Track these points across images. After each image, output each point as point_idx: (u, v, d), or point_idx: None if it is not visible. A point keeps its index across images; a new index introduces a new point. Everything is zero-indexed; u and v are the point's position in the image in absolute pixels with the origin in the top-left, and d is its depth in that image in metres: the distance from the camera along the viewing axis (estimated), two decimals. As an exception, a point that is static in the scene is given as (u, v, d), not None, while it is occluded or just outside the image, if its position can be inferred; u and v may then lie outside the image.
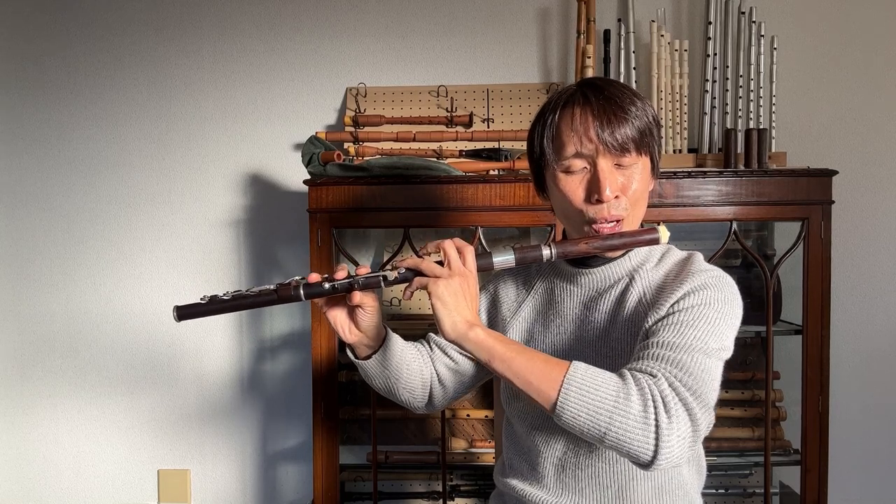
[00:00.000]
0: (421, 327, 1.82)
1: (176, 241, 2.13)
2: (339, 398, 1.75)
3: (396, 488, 1.99)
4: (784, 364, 1.83)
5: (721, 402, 1.81)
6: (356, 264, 1.73)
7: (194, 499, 2.16)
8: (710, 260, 1.62)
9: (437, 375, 1.19)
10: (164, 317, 2.14)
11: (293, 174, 2.08)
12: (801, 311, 1.68)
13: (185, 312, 0.99)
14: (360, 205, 1.68)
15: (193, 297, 2.16)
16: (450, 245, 0.99)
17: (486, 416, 1.88)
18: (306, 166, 1.73)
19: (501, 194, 1.66)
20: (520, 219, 1.68)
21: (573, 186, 1.02)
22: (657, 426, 0.85)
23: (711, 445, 1.77)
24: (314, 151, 1.72)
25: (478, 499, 1.93)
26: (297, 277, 1.01)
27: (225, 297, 0.99)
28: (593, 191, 1.01)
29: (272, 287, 0.99)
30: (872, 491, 2.03)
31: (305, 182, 1.70)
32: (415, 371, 1.15)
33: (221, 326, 2.12)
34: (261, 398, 2.14)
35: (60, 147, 2.14)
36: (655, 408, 0.85)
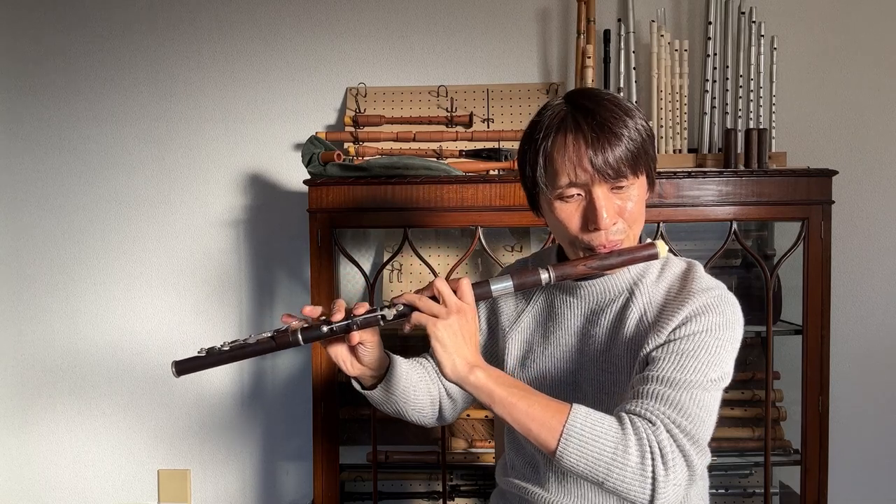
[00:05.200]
0: (420, 328, 1.82)
1: (176, 242, 2.13)
2: (340, 398, 1.75)
3: (396, 488, 1.99)
4: (784, 364, 1.83)
5: (721, 403, 1.81)
6: (356, 265, 1.74)
7: (194, 499, 2.16)
8: (710, 260, 1.63)
9: (445, 389, 1.18)
10: (163, 316, 2.14)
11: (293, 174, 2.08)
12: (801, 311, 1.68)
13: (184, 367, 0.99)
14: (360, 205, 1.68)
15: (193, 298, 2.17)
16: (441, 282, 0.96)
17: (486, 416, 1.88)
18: (306, 166, 1.73)
19: (501, 194, 1.66)
20: (520, 219, 1.68)
21: (568, 214, 1.01)
22: (654, 478, 0.87)
23: (711, 445, 1.76)
24: (314, 151, 1.72)
25: (478, 499, 1.92)
26: (294, 322, 0.99)
27: (224, 349, 0.99)
28: (590, 219, 0.99)
29: (270, 334, 0.99)
30: (872, 491, 2.03)
31: (305, 182, 1.70)
32: (422, 391, 1.14)
33: (222, 326, 2.12)
34: (261, 398, 2.14)
35: (60, 147, 2.14)
36: (653, 459, 0.87)
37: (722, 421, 1.80)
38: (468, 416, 1.88)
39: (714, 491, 1.89)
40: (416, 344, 1.71)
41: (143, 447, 2.16)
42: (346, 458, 1.81)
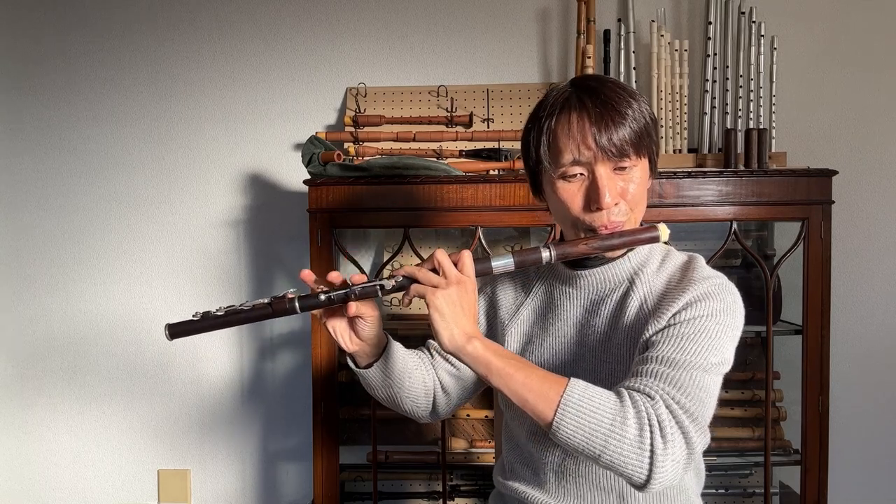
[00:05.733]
0: (420, 327, 1.82)
1: (176, 242, 2.13)
2: (340, 398, 1.75)
3: (396, 488, 1.99)
4: (784, 364, 1.83)
5: (721, 402, 1.79)
6: (356, 265, 1.74)
7: (194, 499, 2.16)
8: (710, 260, 1.63)
9: (440, 383, 1.17)
10: (163, 316, 2.14)
11: (293, 174, 2.08)
12: (801, 311, 1.68)
13: (177, 330, 0.97)
14: (360, 205, 1.68)
15: (193, 298, 2.17)
16: (442, 253, 0.96)
17: (486, 416, 1.88)
18: (306, 166, 1.73)
19: (501, 194, 1.66)
20: (520, 219, 1.68)
21: (571, 193, 1.01)
22: (652, 451, 0.85)
23: (711, 445, 1.75)
24: (314, 151, 1.72)
25: (478, 499, 1.93)
26: (291, 290, 0.98)
27: (218, 313, 0.97)
28: (592, 199, 0.99)
29: (266, 301, 0.97)
30: (872, 491, 2.03)
31: (305, 182, 1.70)
32: (417, 380, 1.13)
33: (221, 326, 2.11)
34: (261, 398, 2.14)
35: (60, 147, 2.14)
36: (651, 432, 0.86)
37: (722, 421, 1.82)
38: (468, 415, 1.88)
39: (714, 491, 1.89)
40: (416, 344, 1.71)
41: (143, 447, 2.16)
42: (346, 458, 1.81)
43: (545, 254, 0.99)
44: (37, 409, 2.18)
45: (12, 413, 2.18)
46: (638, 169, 1.01)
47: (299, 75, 2.10)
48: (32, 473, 2.19)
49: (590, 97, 0.99)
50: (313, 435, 1.73)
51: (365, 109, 1.99)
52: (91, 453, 2.17)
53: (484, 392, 1.89)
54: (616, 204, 1.00)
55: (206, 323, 0.97)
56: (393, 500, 1.96)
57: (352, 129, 1.91)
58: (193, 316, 0.97)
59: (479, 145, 1.87)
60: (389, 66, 2.08)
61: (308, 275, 1.01)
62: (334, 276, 1.00)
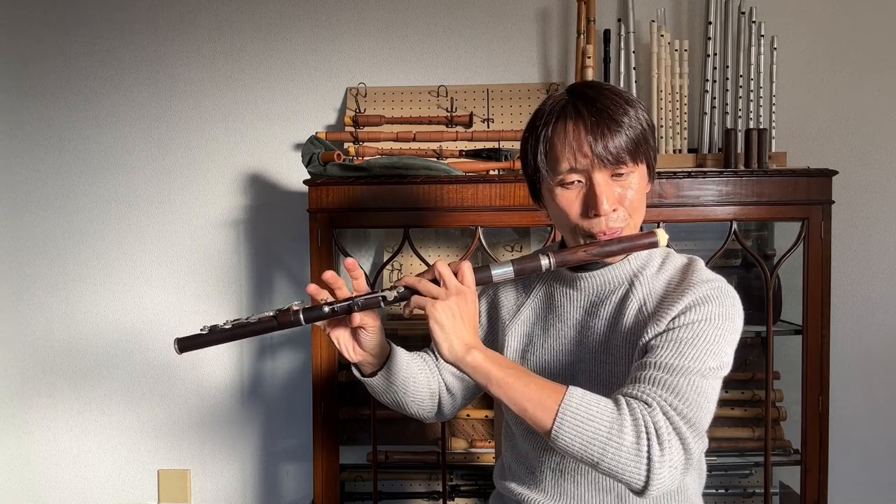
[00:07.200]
0: (420, 327, 1.82)
1: (176, 242, 2.13)
2: (340, 398, 1.75)
3: (396, 488, 1.99)
4: (784, 364, 1.83)
5: (721, 403, 1.79)
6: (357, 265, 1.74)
7: (194, 499, 2.16)
8: (710, 260, 1.63)
9: (445, 385, 1.18)
10: (163, 317, 2.14)
11: (293, 174, 2.08)
12: (801, 311, 1.68)
13: (186, 344, 1.00)
14: (360, 205, 1.68)
15: (193, 298, 2.17)
16: (442, 265, 0.97)
17: (486, 416, 1.88)
18: (306, 166, 1.73)
19: (501, 194, 1.66)
20: (520, 219, 1.68)
21: (569, 201, 1.01)
22: (649, 458, 0.86)
23: (711, 445, 1.75)
24: (314, 151, 1.72)
25: (478, 499, 1.93)
26: (296, 303, 1.00)
27: (226, 327, 1.00)
28: (590, 206, 1.00)
29: (271, 314, 1.00)
30: (872, 491, 2.03)
31: (305, 182, 1.70)
32: (422, 383, 1.14)
33: (221, 326, 2.11)
34: (261, 398, 2.14)
35: (60, 147, 2.14)
36: (648, 439, 0.86)
37: (722, 421, 1.82)
38: (468, 415, 1.88)
39: (714, 491, 1.89)
40: (416, 345, 1.71)
41: (143, 447, 2.16)
42: (346, 458, 1.81)
43: (544, 261, 0.99)
44: (37, 409, 2.18)
45: (12, 413, 2.18)
46: (635, 175, 1.02)
47: (299, 75, 2.10)
48: (32, 473, 2.19)
49: (586, 105, 0.99)
50: (313, 435, 1.73)
51: (365, 109, 1.99)
52: (91, 453, 2.17)
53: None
54: (614, 210, 1.00)
55: (214, 336, 1.00)
56: (393, 500, 1.97)
57: (352, 129, 1.91)
58: (202, 330, 1.00)
59: (479, 145, 1.87)
60: (389, 66, 2.08)
61: (315, 289, 1.02)
62: (328, 277, 1.02)
